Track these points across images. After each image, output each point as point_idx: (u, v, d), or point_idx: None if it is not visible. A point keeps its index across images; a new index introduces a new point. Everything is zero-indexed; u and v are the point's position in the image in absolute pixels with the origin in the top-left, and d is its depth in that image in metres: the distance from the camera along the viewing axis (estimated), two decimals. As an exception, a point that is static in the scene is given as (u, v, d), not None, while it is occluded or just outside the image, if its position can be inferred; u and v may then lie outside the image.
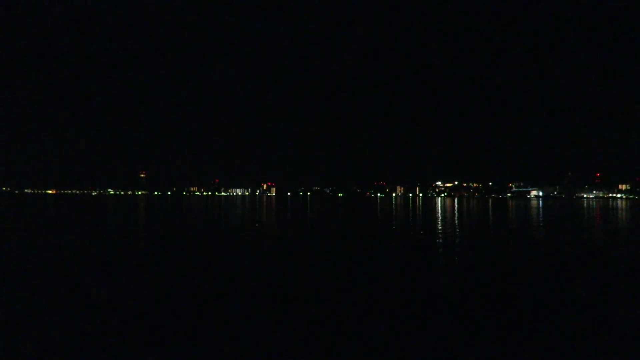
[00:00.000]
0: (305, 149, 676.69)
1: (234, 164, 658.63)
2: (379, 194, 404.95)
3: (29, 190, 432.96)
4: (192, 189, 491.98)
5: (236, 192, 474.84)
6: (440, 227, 32.08)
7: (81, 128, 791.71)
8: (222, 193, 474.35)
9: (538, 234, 29.20)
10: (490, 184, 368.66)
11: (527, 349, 7.64)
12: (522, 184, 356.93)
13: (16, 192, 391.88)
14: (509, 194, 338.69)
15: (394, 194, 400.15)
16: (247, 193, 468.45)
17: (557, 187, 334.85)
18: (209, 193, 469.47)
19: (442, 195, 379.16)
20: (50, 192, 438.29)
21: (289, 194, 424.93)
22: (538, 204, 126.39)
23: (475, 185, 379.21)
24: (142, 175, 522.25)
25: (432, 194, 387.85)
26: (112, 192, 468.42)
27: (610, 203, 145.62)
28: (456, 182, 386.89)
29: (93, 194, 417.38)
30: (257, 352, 7.39)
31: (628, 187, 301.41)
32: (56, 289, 11.55)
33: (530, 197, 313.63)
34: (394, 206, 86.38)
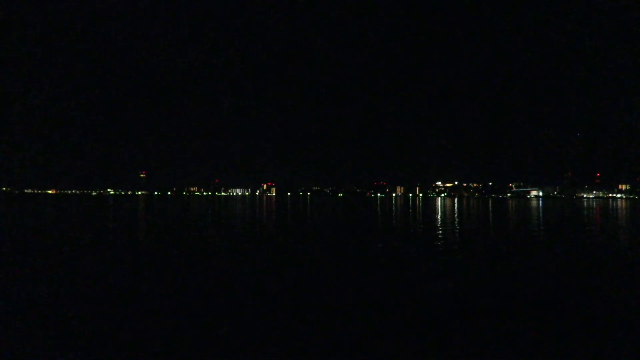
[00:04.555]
0: (305, 149, 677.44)
1: (234, 164, 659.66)
2: (379, 194, 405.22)
3: (29, 190, 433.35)
4: (192, 189, 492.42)
5: (236, 192, 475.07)
6: (440, 233, 32.01)
7: (81, 128, 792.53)
8: (222, 193, 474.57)
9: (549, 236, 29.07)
10: (490, 184, 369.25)
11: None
12: (522, 184, 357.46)
13: (16, 192, 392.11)
14: (509, 194, 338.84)
15: (394, 194, 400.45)
16: (247, 193, 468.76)
17: (557, 187, 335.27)
18: (209, 193, 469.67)
19: (442, 195, 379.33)
20: (50, 192, 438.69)
21: (289, 194, 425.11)
22: (538, 204, 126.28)
23: (475, 185, 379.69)
24: (142, 175, 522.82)
25: (432, 194, 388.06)
26: (112, 192, 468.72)
27: (610, 203, 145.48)
28: (456, 182, 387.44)
29: (93, 194, 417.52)
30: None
31: (628, 187, 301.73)
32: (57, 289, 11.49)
33: (530, 197, 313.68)
34: (394, 207, 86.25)
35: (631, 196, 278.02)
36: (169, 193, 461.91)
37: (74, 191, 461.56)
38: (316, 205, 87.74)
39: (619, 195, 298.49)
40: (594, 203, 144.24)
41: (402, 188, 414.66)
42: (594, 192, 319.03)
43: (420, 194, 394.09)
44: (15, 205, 72.94)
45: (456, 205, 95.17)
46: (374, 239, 24.94)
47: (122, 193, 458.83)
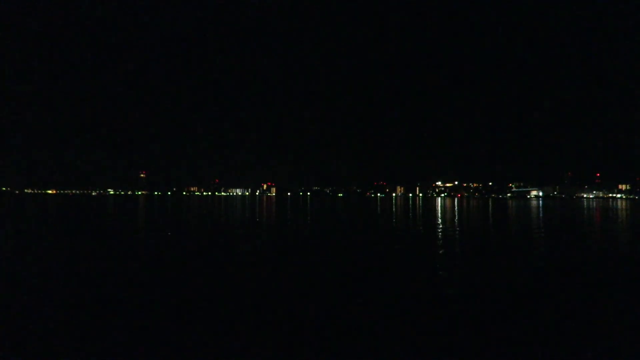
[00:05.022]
0: (305, 149, 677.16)
1: (234, 164, 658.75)
2: (379, 194, 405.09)
3: (29, 190, 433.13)
4: (192, 189, 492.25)
5: (236, 192, 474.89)
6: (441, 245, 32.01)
7: (81, 128, 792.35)
8: (222, 193, 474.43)
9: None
10: (490, 184, 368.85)
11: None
12: (522, 184, 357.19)
13: (16, 192, 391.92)
14: (509, 194, 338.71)
15: (394, 194, 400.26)
16: (247, 193, 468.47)
17: (557, 187, 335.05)
18: (209, 193, 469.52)
19: (442, 195, 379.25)
20: (50, 192, 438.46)
21: (289, 194, 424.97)
22: (538, 204, 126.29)
23: (475, 185, 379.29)
24: (142, 175, 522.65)
25: (432, 194, 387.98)
26: (112, 192, 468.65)
27: (611, 203, 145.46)
28: (456, 182, 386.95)
29: (93, 194, 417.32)
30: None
31: (628, 187, 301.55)
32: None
33: (530, 197, 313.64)
34: (394, 208, 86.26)
35: (631, 196, 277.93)
36: (169, 193, 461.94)
37: (74, 191, 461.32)
38: (318, 206, 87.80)
39: (619, 195, 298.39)
40: (594, 203, 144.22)
41: (402, 188, 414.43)
42: (594, 192, 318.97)
43: (420, 194, 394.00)
44: (17, 206, 73.01)
45: (456, 206, 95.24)
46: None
47: (122, 193, 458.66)
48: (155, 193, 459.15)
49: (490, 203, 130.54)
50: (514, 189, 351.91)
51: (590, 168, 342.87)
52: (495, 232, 31.20)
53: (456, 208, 79.91)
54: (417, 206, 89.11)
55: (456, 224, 38.14)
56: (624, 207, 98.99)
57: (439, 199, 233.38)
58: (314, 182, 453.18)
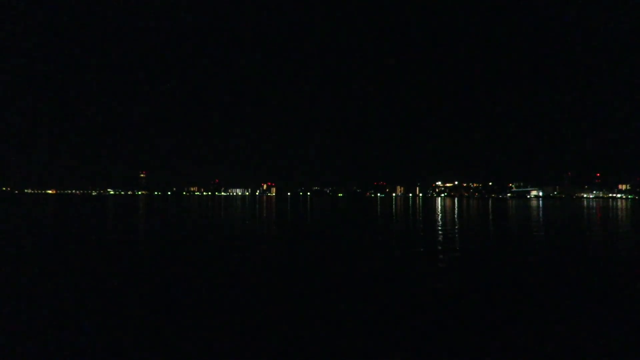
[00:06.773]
0: (305, 148, 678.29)
1: (234, 164, 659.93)
2: (379, 194, 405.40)
3: (29, 190, 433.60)
4: (192, 189, 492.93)
5: (236, 192, 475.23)
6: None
7: (81, 128, 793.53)
8: (222, 193, 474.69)
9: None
10: (490, 184, 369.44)
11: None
12: (522, 184, 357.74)
13: (16, 192, 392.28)
14: (509, 194, 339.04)
15: (394, 194, 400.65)
16: (247, 193, 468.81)
17: (557, 187, 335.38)
18: (209, 193, 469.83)
19: (442, 195, 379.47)
20: (50, 192, 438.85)
21: (289, 194, 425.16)
22: (538, 204, 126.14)
23: (475, 185, 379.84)
24: (142, 175, 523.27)
25: (432, 194, 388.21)
26: (112, 192, 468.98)
27: (611, 203, 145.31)
28: (456, 182, 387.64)
29: (93, 194, 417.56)
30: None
31: (628, 187, 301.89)
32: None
33: (530, 197, 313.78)
34: (394, 209, 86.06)
35: (631, 196, 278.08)
36: (169, 193, 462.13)
37: (74, 191, 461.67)
38: (320, 207, 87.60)
39: (619, 195, 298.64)
40: (594, 203, 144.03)
41: (402, 188, 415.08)
42: (594, 192, 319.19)
43: (420, 194, 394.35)
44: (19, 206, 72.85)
45: (456, 206, 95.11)
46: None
47: (122, 193, 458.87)
48: (156, 193, 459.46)
49: (490, 203, 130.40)
50: (514, 189, 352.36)
51: (590, 168, 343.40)
52: (494, 233, 31.09)
53: (456, 208, 79.80)
54: (417, 206, 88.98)
55: (456, 225, 38.05)
56: (623, 207, 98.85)
57: (439, 199, 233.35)
58: (314, 182, 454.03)
